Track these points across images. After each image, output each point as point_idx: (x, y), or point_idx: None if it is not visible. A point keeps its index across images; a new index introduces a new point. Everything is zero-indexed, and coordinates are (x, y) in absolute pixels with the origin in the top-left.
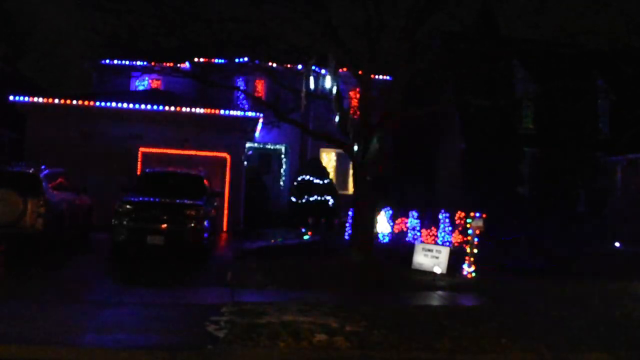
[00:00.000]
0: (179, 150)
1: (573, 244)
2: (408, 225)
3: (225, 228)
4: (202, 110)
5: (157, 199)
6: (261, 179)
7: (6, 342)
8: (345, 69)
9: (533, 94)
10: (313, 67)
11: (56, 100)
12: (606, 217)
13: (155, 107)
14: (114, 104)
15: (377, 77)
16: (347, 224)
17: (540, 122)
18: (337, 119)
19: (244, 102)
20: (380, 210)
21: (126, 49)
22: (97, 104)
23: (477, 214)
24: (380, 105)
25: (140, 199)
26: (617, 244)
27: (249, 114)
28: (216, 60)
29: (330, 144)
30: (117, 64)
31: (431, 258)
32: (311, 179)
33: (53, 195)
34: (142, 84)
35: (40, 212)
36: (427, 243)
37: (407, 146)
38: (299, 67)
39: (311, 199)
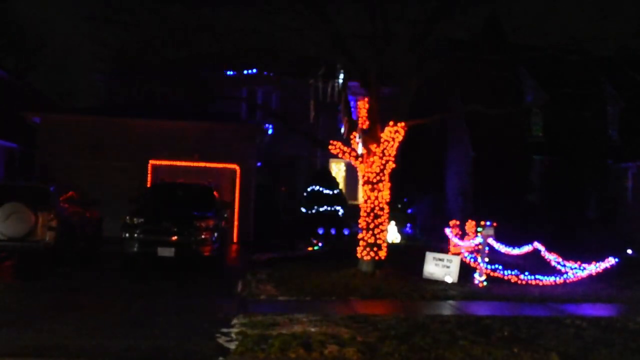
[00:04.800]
0: (189, 162)
1: (584, 251)
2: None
3: (235, 239)
4: (211, 122)
5: (167, 211)
6: (271, 190)
7: (19, 354)
8: (353, 79)
9: (541, 101)
10: (321, 78)
11: (66, 114)
12: (617, 224)
13: (164, 119)
14: (123, 117)
15: (385, 86)
16: (358, 234)
17: (549, 130)
18: (345, 129)
19: (254, 113)
20: (390, 220)
21: (135, 61)
22: (107, 117)
23: (488, 223)
24: (389, 114)
25: (150, 211)
26: (629, 251)
27: (258, 125)
28: (224, 72)
29: (339, 154)
30: (126, 76)
31: (442, 267)
32: (321, 189)
33: (64, 209)
34: (151, 96)
35: (51, 225)
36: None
37: (416, 155)
38: (308, 77)
39: (321, 209)
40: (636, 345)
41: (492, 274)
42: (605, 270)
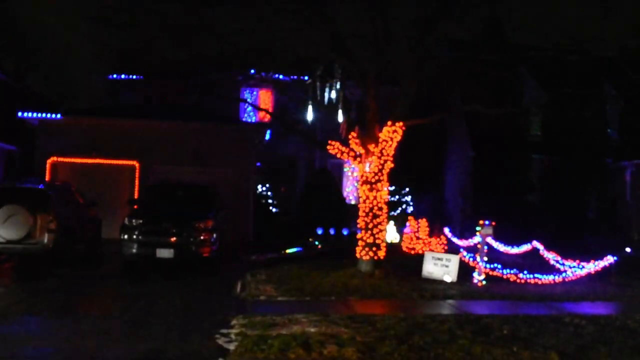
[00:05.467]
0: (187, 162)
1: (583, 249)
2: (418, 234)
3: (234, 239)
4: (209, 123)
5: (165, 212)
6: (270, 190)
7: (17, 357)
8: (352, 79)
9: (541, 101)
10: (320, 78)
11: (64, 116)
12: (616, 223)
13: (162, 120)
14: (121, 118)
15: (384, 86)
16: (357, 234)
17: (549, 129)
18: (343, 129)
19: (252, 113)
20: (389, 220)
21: (134, 62)
22: (105, 118)
23: (487, 222)
24: (387, 114)
25: (149, 212)
26: (627, 249)
27: (257, 125)
28: (223, 72)
29: (337, 154)
30: (125, 78)
31: (441, 267)
32: (320, 189)
33: (62, 210)
34: (150, 97)
35: (50, 227)
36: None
37: (415, 155)
38: (306, 78)
39: (320, 209)
40: (635, 343)
41: (491, 273)
42: (604, 268)
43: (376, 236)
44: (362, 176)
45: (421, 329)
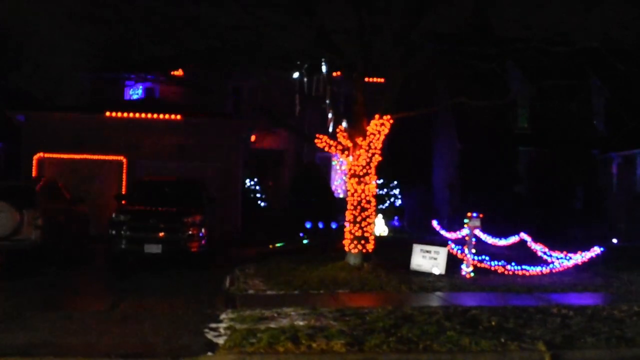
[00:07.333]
0: (175, 157)
1: (570, 241)
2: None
3: (223, 234)
4: (196, 118)
5: (153, 208)
6: (258, 185)
7: (7, 353)
8: (338, 73)
9: (528, 93)
10: (306, 72)
11: (50, 111)
12: (603, 214)
13: (149, 115)
14: (106, 113)
15: (371, 79)
16: (345, 227)
17: (536, 121)
18: (331, 122)
19: (239, 108)
20: (377, 213)
21: (119, 58)
22: (90, 113)
23: (474, 214)
24: (375, 108)
25: (137, 207)
26: (614, 240)
27: (244, 119)
28: (209, 67)
29: (325, 148)
30: (111, 74)
31: (429, 259)
32: (308, 183)
33: (49, 207)
34: (136, 92)
35: (37, 223)
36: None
37: (403, 147)
38: (293, 72)
39: (308, 203)
40: (621, 333)
41: (479, 265)
42: (591, 259)
43: (364, 229)
44: (350, 169)
45: (409, 321)
